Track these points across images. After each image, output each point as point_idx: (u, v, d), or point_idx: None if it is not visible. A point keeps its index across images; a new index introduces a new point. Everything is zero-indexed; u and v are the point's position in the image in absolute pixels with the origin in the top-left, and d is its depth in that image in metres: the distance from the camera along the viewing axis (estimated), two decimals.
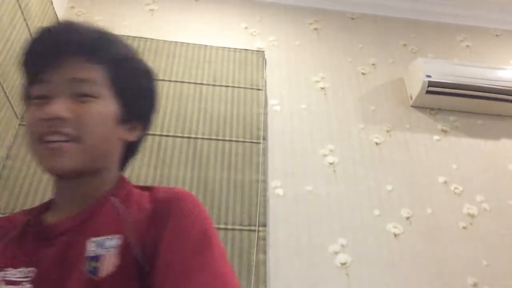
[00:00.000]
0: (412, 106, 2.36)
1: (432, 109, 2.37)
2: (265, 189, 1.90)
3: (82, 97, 0.70)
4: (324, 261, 1.81)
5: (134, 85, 0.78)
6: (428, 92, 2.28)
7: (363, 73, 2.45)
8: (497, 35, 2.79)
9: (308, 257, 1.81)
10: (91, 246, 0.66)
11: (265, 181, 1.92)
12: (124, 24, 2.39)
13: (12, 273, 0.68)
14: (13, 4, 1.73)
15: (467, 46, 2.70)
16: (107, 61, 0.74)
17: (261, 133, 2.02)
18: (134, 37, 2.24)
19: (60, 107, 0.68)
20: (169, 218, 0.67)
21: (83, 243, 0.67)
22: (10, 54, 1.71)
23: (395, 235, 1.92)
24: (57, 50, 0.71)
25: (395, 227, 1.94)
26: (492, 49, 2.72)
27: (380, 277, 1.81)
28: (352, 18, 2.71)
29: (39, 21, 1.97)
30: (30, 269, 0.67)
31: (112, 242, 0.66)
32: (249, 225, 1.77)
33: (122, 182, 0.79)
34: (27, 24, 1.85)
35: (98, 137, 0.71)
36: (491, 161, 2.24)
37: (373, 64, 2.50)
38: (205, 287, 0.59)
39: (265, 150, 2.00)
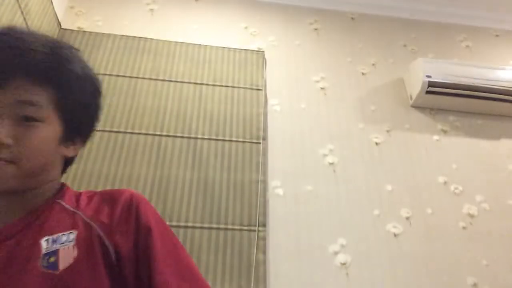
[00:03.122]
0: (412, 106, 2.36)
1: (432, 109, 2.37)
2: (265, 189, 1.90)
3: (27, 120, 0.70)
4: (324, 261, 1.81)
5: (80, 105, 0.78)
6: (428, 92, 2.28)
7: (363, 73, 2.45)
8: (497, 35, 2.79)
9: (308, 257, 1.81)
10: (46, 244, 0.70)
11: (265, 181, 1.91)
12: (124, 24, 2.39)
13: None
14: (12, 4, 1.73)
15: (467, 46, 2.70)
16: (55, 83, 0.73)
17: (261, 133, 2.02)
18: (134, 37, 2.24)
19: (3, 132, 0.68)
20: (145, 223, 0.75)
21: (35, 243, 0.70)
22: None
23: (395, 235, 1.92)
24: (3, 70, 0.70)
25: (395, 227, 1.94)
26: (492, 49, 2.72)
27: (380, 277, 1.81)
28: (352, 18, 2.71)
29: (39, 20, 1.97)
30: None
31: (67, 237, 0.71)
32: (249, 225, 1.77)
33: (66, 188, 0.82)
34: (27, 24, 1.84)
35: (38, 161, 0.73)
36: (491, 161, 2.24)
37: (373, 64, 2.50)
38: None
39: (265, 150, 2.00)
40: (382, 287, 1.79)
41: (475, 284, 1.84)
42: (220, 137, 1.98)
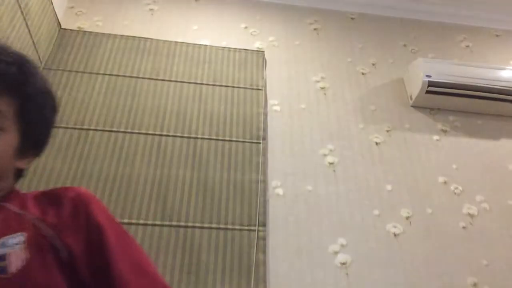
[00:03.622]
0: (412, 106, 2.36)
1: (431, 109, 2.37)
2: (265, 189, 1.90)
3: None
4: (324, 261, 1.81)
5: (40, 119, 0.80)
6: (428, 92, 2.28)
7: (363, 73, 2.45)
8: (497, 35, 2.79)
9: (308, 257, 1.81)
10: None
11: (265, 181, 1.91)
12: (124, 24, 2.39)
13: None
14: (12, 4, 1.73)
15: (467, 46, 2.70)
16: (20, 94, 0.75)
17: (261, 133, 2.02)
18: (134, 37, 2.24)
19: None
20: (95, 221, 0.75)
21: None
22: None
23: (395, 235, 1.92)
24: None
25: (395, 227, 1.94)
26: (492, 49, 2.72)
27: (380, 277, 1.80)
28: (352, 18, 2.71)
29: (39, 20, 1.97)
30: None
31: (15, 239, 0.70)
32: (249, 225, 1.77)
33: (13, 191, 0.81)
34: (26, 24, 1.84)
35: None
36: (491, 161, 2.23)
37: (373, 64, 2.50)
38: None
39: (265, 150, 2.00)
40: (382, 287, 1.79)
41: (475, 284, 1.84)
42: (220, 137, 1.98)
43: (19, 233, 0.71)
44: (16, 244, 0.69)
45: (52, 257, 0.69)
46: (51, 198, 0.77)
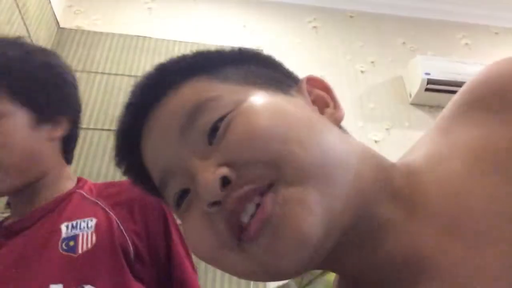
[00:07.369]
0: (411, 103, 2.36)
1: (431, 106, 2.37)
2: None
3: None
4: None
5: (33, 85, 0.77)
6: (427, 89, 2.28)
7: (362, 71, 2.45)
8: (496, 33, 2.79)
9: None
10: (66, 229, 0.73)
11: None
12: (122, 23, 2.38)
13: None
14: (10, 3, 1.72)
15: (466, 44, 2.70)
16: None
17: None
18: (133, 35, 2.24)
19: None
20: (165, 222, 0.80)
21: (55, 228, 0.73)
22: None
23: None
24: None
25: None
26: (491, 47, 2.72)
27: None
28: (351, 16, 2.71)
29: (37, 20, 1.96)
30: None
31: (86, 223, 0.74)
32: None
33: (82, 180, 0.86)
34: (24, 23, 1.84)
35: (16, 153, 0.73)
36: None
37: (372, 62, 2.50)
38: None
39: None
40: None
41: None
42: None
43: (90, 218, 0.74)
44: (87, 228, 0.73)
45: (119, 249, 0.72)
46: (117, 192, 0.81)
